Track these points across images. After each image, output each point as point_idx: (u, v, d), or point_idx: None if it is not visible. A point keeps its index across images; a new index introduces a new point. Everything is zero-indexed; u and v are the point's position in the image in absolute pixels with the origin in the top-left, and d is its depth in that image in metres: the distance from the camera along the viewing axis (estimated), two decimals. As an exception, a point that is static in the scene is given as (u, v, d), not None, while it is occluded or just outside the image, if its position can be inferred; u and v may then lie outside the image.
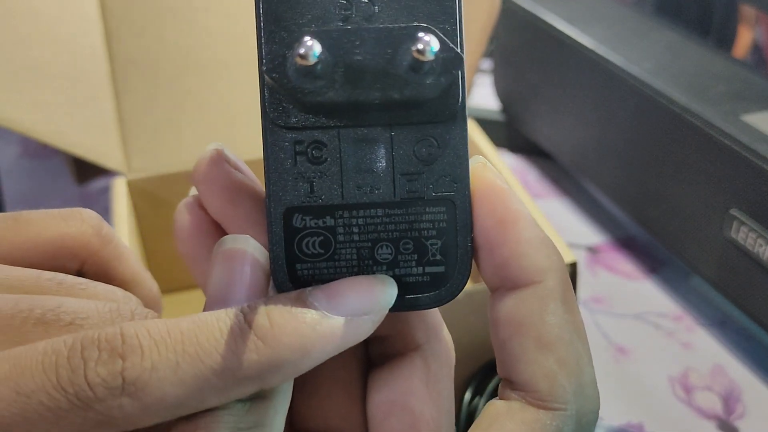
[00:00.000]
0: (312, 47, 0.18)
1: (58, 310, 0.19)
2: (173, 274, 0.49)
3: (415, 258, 0.20)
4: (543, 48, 0.58)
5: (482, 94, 0.73)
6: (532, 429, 0.19)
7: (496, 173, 0.20)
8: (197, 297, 0.23)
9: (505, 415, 0.19)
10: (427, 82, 0.19)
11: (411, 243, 0.20)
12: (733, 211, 0.42)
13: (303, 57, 0.18)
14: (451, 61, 0.19)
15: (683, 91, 0.46)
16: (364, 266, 0.20)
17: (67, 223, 0.22)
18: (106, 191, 0.62)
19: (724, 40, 0.62)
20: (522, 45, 0.61)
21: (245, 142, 0.47)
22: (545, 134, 0.61)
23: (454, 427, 0.22)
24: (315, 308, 0.18)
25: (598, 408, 0.20)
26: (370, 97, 0.19)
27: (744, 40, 0.62)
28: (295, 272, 0.20)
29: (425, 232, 0.20)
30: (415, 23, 0.19)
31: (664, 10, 0.64)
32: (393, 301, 0.20)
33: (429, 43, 0.18)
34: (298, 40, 0.18)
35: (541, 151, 0.64)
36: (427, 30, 0.19)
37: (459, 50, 0.19)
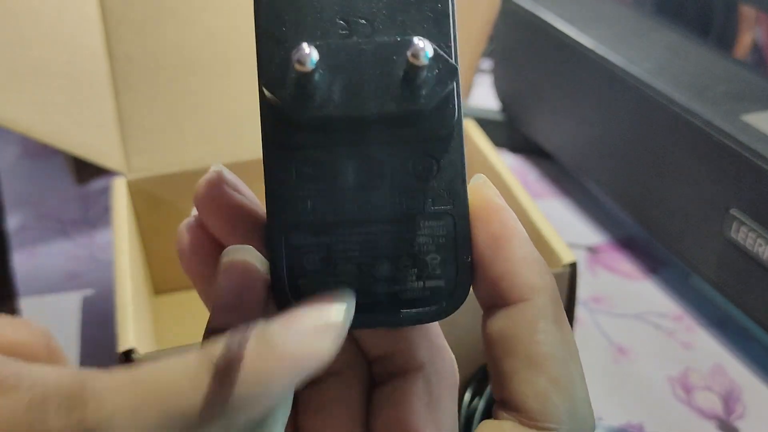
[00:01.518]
0: (310, 54, 0.18)
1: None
2: (173, 274, 0.49)
3: (415, 273, 0.20)
4: (543, 48, 0.58)
5: (482, 94, 0.73)
6: None
7: (495, 191, 0.21)
8: (196, 297, 0.23)
9: None
10: (423, 93, 0.19)
11: (410, 258, 0.20)
12: (733, 211, 0.42)
13: (301, 62, 0.18)
14: (446, 72, 0.19)
15: (683, 91, 0.46)
16: (364, 282, 0.20)
17: (15, 329, 0.21)
18: (106, 191, 0.62)
19: (725, 40, 0.62)
20: (522, 45, 0.61)
21: (245, 142, 0.47)
22: (545, 134, 0.61)
23: None
24: (270, 338, 0.18)
25: (593, 428, 0.20)
26: (367, 110, 0.19)
27: (744, 40, 0.62)
28: (296, 288, 0.20)
29: (424, 247, 0.20)
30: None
31: (664, 10, 0.64)
32: (351, 316, 0.19)
33: (424, 48, 0.18)
34: (296, 47, 0.18)
35: (541, 151, 0.64)
36: (421, 38, 0.19)
37: (454, 62, 0.19)
